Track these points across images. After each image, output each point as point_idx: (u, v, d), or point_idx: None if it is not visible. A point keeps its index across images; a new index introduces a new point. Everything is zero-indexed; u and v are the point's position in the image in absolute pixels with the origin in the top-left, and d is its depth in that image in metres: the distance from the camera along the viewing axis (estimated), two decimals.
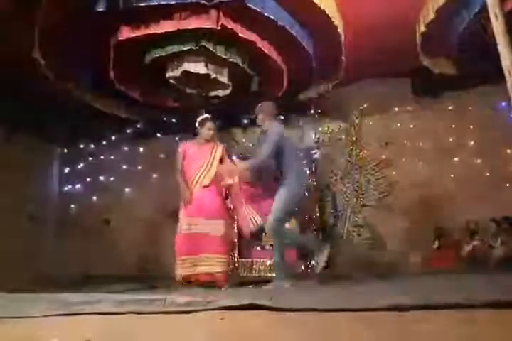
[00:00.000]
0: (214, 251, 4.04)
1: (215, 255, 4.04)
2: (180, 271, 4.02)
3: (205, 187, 4.21)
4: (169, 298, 2.45)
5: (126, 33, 4.47)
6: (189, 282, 4.09)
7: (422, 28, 4.68)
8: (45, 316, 2.11)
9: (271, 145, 3.71)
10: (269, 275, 5.67)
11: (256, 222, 4.00)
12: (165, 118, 6.71)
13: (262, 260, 5.99)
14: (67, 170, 7.91)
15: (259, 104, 4.11)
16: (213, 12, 4.28)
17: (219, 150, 4.43)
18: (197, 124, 4.47)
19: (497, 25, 2.75)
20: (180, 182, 4.27)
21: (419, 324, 1.62)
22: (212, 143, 4.47)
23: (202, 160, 4.32)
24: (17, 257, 6.10)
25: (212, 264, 4.02)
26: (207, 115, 4.48)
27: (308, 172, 3.18)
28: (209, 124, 4.42)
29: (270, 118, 4.01)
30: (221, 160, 4.40)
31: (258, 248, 6.20)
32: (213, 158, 4.35)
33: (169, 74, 4.90)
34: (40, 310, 2.23)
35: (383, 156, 6.54)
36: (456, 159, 6.26)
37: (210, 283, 4.03)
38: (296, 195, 3.74)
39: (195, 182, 4.24)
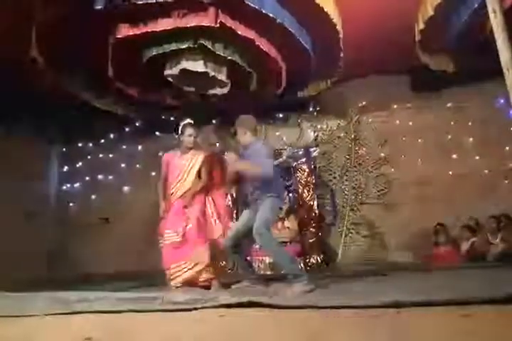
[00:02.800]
0: (191, 251, 3.78)
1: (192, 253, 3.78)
2: (174, 281, 3.79)
3: (180, 198, 3.97)
4: (167, 296, 2.45)
5: (124, 31, 4.45)
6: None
7: (421, 26, 4.68)
8: (45, 315, 2.11)
9: (271, 163, 3.61)
10: (268, 273, 5.69)
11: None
12: (163, 117, 6.70)
13: (261, 258, 5.99)
14: (65, 168, 7.90)
15: (239, 118, 3.78)
16: (212, 10, 4.27)
17: (199, 159, 4.06)
18: (179, 131, 4.13)
19: (496, 22, 2.75)
20: (158, 193, 4.11)
21: (418, 320, 1.63)
22: (195, 150, 4.12)
23: (179, 170, 4.05)
24: (15, 256, 6.08)
25: (195, 263, 3.76)
26: (188, 121, 4.17)
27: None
28: (189, 130, 4.07)
29: (251, 133, 3.70)
30: (200, 171, 4.05)
31: (257, 246, 6.19)
32: (190, 167, 4.03)
33: (167, 72, 4.88)
34: (40, 309, 2.23)
35: (382, 154, 6.55)
36: (454, 156, 6.26)
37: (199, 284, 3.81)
38: (278, 207, 3.70)
39: (173, 194, 4.03)
